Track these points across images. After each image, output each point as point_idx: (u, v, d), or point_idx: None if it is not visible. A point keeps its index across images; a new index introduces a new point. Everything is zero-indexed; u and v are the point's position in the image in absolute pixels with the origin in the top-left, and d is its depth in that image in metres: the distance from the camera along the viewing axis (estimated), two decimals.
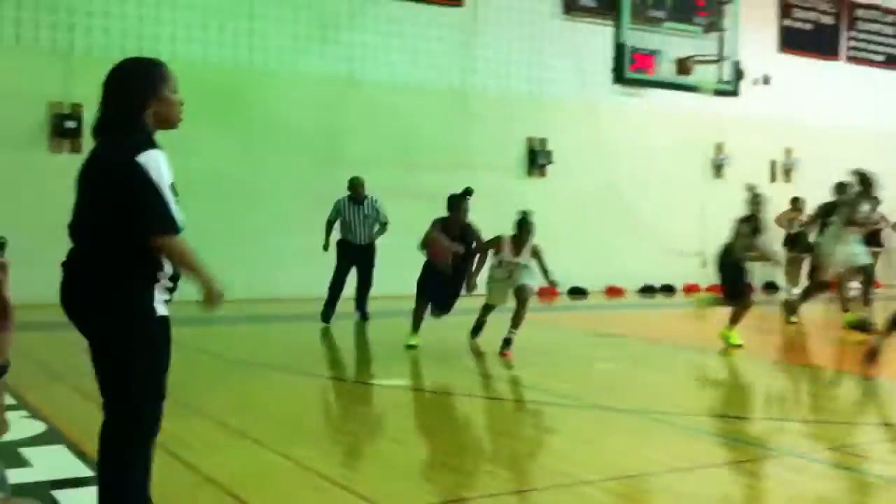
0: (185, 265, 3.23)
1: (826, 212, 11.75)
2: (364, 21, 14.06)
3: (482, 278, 8.99)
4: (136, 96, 3.24)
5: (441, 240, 8.58)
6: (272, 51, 13.45)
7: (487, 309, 9.21)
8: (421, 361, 8.02)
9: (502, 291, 9.03)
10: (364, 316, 10.79)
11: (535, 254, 8.85)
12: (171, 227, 3.13)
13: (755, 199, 9.86)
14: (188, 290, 3.35)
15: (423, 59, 14.48)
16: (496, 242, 8.91)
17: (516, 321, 8.72)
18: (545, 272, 8.92)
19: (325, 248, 10.68)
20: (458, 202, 8.75)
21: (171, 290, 3.29)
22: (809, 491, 4.86)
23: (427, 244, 8.66)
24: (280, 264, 12.81)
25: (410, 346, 8.74)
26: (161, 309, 3.25)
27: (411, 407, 6.90)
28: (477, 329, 9.21)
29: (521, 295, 8.79)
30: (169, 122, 3.31)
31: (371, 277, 10.70)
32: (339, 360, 9.31)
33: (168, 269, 3.22)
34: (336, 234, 10.70)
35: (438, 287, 8.82)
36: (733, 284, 9.71)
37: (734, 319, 9.63)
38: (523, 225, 8.89)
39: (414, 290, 8.97)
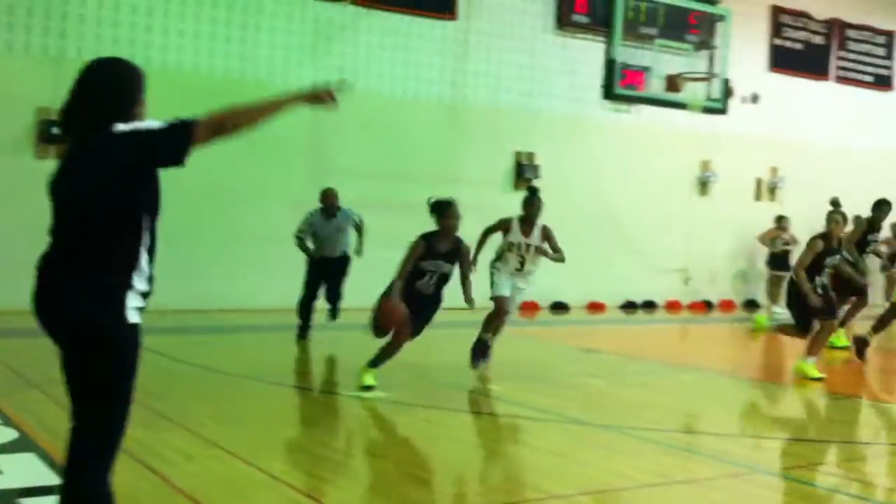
0: (254, 116, 3.17)
1: (868, 229, 11.20)
2: (357, 33, 14.11)
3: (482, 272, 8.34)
4: (129, 97, 3.25)
5: (393, 301, 7.24)
6: (264, 60, 13.49)
7: (494, 316, 8.38)
8: (398, 374, 7.92)
9: (510, 282, 8.43)
10: (334, 314, 10.41)
11: (547, 235, 8.42)
12: (187, 122, 3.07)
13: (831, 217, 9.22)
14: (165, 299, 3.35)
15: (414, 71, 14.53)
16: (504, 224, 8.43)
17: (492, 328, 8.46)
18: (556, 252, 8.40)
19: (315, 255, 10.20)
20: (449, 207, 7.56)
21: (145, 296, 3.28)
22: None
23: (379, 308, 7.30)
24: (266, 274, 12.81)
25: (367, 388, 7.29)
26: (134, 316, 3.24)
27: (386, 419, 6.91)
28: (480, 351, 8.32)
29: (500, 309, 8.45)
30: None
31: (341, 288, 10.32)
32: (316, 371, 9.27)
33: (145, 267, 3.21)
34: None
35: (420, 306, 7.51)
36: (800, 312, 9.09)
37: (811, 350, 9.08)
38: (532, 200, 8.38)
39: None
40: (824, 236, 9.07)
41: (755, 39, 17.68)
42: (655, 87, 16.04)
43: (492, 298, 8.46)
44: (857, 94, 18.91)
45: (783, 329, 9.66)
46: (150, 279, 3.25)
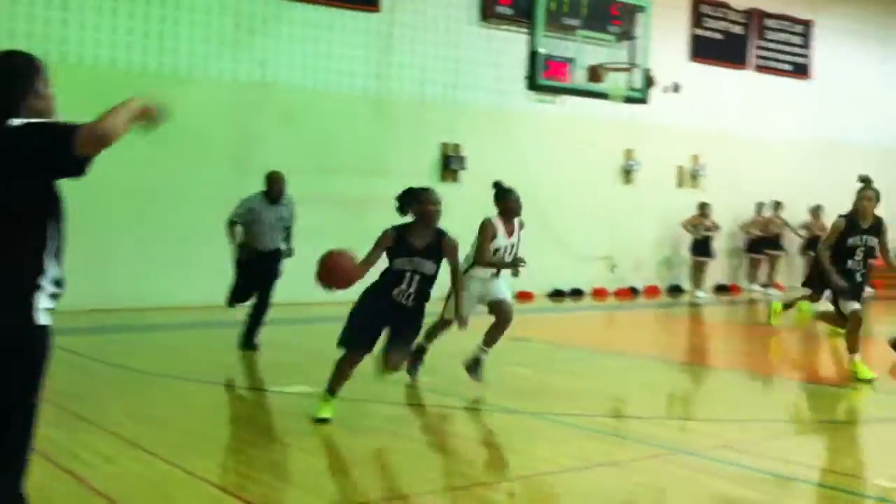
0: (118, 125, 2.98)
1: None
2: (279, 25, 13.94)
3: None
4: (16, 90, 3.14)
5: (346, 261, 5.82)
6: (183, 55, 13.25)
7: (442, 326, 7.62)
8: (325, 368, 7.88)
9: (475, 300, 7.47)
10: (251, 346, 9.22)
11: (522, 229, 7.73)
12: (75, 127, 2.95)
13: (861, 194, 8.23)
14: (80, 298, 3.27)
15: (338, 64, 14.43)
16: (487, 226, 7.40)
17: (492, 339, 7.53)
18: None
19: (241, 256, 9.22)
20: (424, 193, 6.25)
21: (55, 297, 3.20)
22: (704, 488, 5.00)
23: (324, 262, 5.79)
24: (183, 271, 12.60)
25: (322, 420, 6.14)
26: (43, 318, 3.16)
27: (311, 414, 6.84)
28: (419, 360, 7.62)
29: (506, 313, 7.51)
30: (43, 118, 3.24)
31: (270, 295, 9.26)
32: (240, 367, 9.04)
33: (53, 271, 3.13)
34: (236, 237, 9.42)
35: (396, 321, 6.26)
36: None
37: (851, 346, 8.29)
38: (509, 194, 7.56)
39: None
40: (849, 214, 8.20)
41: (676, 30, 17.96)
42: (578, 77, 16.15)
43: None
44: (775, 83, 19.36)
45: (824, 317, 9.61)
46: (59, 282, 3.17)
